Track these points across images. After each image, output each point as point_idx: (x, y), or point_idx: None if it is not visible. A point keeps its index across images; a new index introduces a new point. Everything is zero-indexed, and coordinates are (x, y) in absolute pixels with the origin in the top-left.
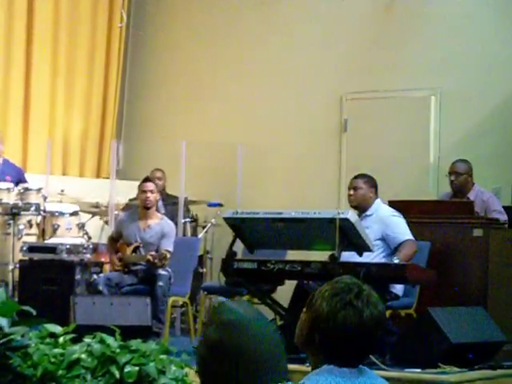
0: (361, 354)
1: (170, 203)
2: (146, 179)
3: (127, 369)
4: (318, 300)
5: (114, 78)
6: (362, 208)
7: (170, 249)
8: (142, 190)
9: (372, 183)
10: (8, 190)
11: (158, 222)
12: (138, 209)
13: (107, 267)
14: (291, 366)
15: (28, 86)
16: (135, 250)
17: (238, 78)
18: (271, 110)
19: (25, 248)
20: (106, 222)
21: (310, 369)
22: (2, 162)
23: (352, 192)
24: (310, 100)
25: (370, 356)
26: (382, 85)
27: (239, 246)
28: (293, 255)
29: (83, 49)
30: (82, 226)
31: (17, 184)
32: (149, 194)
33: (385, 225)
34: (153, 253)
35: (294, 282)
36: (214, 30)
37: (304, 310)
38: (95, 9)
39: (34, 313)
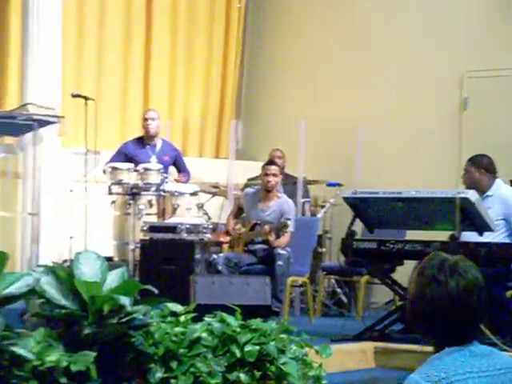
0: (466, 327)
1: (289, 183)
2: (271, 162)
3: (247, 348)
4: (409, 284)
5: (233, 57)
6: (476, 189)
7: (291, 224)
8: (265, 173)
9: (483, 165)
10: (128, 170)
11: (276, 200)
12: (259, 190)
13: (226, 247)
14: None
15: (148, 66)
16: (253, 228)
17: (359, 59)
18: (390, 89)
19: (145, 228)
20: (225, 202)
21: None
22: (161, 142)
23: (464, 174)
24: (430, 79)
25: (491, 337)
26: (504, 63)
27: (359, 226)
28: (413, 235)
29: (202, 29)
30: (201, 206)
31: (174, 164)
32: (271, 178)
33: (506, 205)
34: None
35: (414, 262)
36: (335, 8)
37: None
38: None
39: (156, 292)
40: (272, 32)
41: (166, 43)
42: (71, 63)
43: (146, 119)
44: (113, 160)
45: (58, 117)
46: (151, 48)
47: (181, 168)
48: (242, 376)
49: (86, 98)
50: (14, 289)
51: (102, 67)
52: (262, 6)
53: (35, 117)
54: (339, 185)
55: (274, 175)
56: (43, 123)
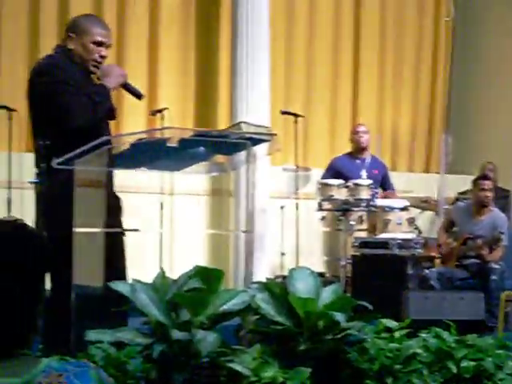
0: None
1: (500, 197)
2: (485, 176)
3: (464, 363)
4: None
5: (442, 70)
6: None
7: (504, 238)
8: (480, 188)
9: None
10: (338, 186)
11: (489, 214)
12: (471, 204)
13: (438, 262)
14: None
15: (356, 82)
16: (465, 242)
17: None
18: None
19: (356, 243)
20: (436, 216)
21: None
22: (370, 157)
23: None
24: None
25: None
26: None
27: None
28: None
29: (410, 42)
30: (412, 221)
31: (382, 179)
32: (488, 193)
33: None
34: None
35: None
36: None
37: None
38: (422, 2)
39: (371, 308)
40: (481, 44)
41: (374, 58)
42: (280, 80)
43: (357, 132)
44: (324, 177)
45: (270, 134)
46: (359, 64)
47: (386, 186)
48: None
49: (295, 115)
50: (231, 305)
51: (310, 84)
52: (470, 18)
53: (248, 135)
54: None
55: (490, 190)
56: (256, 141)
